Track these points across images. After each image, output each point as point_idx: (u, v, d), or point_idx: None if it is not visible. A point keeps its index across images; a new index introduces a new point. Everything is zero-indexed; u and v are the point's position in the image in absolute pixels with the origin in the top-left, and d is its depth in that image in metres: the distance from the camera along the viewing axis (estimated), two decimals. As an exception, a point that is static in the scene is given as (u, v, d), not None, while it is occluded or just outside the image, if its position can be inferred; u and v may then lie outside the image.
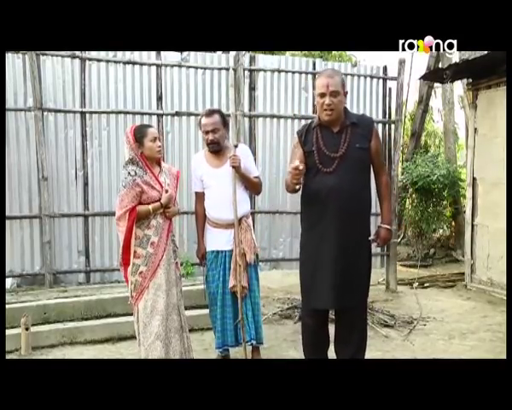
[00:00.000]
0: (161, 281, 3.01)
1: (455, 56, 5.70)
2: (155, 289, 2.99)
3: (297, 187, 2.69)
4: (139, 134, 3.03)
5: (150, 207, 3.00)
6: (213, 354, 3.53)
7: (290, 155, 3.03)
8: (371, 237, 2.89)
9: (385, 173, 2.93)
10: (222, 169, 3.30)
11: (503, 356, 3.20)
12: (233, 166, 3.19)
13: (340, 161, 2.69)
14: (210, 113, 3.35)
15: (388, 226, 2.88)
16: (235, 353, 3.54)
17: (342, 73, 5.47)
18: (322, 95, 2.68)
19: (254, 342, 3.33)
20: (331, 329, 2.94)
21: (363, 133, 2.76)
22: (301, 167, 2.53)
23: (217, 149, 3.30)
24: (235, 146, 3.26)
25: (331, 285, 2.67)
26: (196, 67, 5.13)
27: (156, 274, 3.00)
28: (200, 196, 3.42)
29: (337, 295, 2.68)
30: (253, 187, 3.45)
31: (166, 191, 3.05)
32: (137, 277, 3.00)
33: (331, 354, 2.95)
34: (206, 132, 3.27)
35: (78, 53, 4.71)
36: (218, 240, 3.34)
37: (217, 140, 3.27)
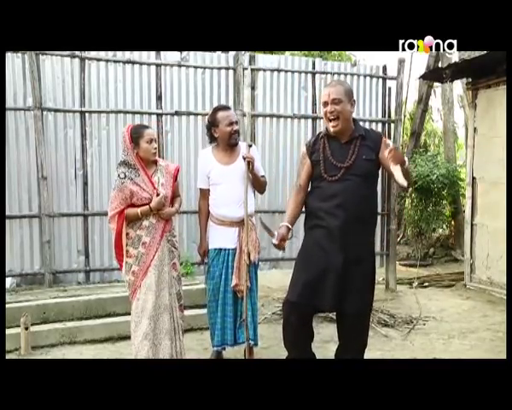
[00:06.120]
0: (151, 281, 3.01)
1: (455, 56, 5.71)
2: (146, 288, 3.00)
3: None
4: (135, 134, 3.03)
5: (139, 211, 3.00)
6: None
7: (298, 166, 2.99)
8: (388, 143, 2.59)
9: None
10: (231, 166, 3.29)
11: (503, 356, 3.21)
12: (248, 166, 3.17)
13: (346, 171, 2.65)
14: (226, 107, 3.48)
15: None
16: (235, 352, 3.54)
17: (343, 72, 5.60)
18: (325, 104, 2.67)
19: (253, 342, 3.31)
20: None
21: (371, 146, 2.70)
22: (282, 241, 2.67)
23: (238, 141, 3.33)
24: (250, 146, 3.25)
25: (332, 290, 2.61)
26: (196, 67, 5.12)
27: (147, 274, 3.01)
28: (204, 193, 3.40)
29: (338, 301, 2.63)
30: (260, 186, 3.46)
31: (158, 194, 3.02)
32: (130, 276, 3.03)
33: (328, 354, 2.94)
34: (230, 123, 3.26)
35: (77, 52, 4.69)
36: (221, 238, 3.32)
37: (239, 131, 3.33)
